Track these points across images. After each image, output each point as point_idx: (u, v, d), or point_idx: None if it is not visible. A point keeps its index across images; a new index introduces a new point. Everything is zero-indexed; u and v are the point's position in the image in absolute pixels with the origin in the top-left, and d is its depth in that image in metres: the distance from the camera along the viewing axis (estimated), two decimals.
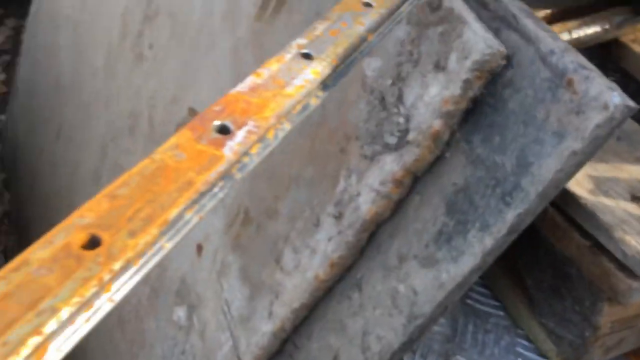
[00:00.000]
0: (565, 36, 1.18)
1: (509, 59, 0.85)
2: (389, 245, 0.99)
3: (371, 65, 0.98)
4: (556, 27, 1.16)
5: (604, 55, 1.30)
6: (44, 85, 2.33)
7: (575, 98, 0.77)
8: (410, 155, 0.91)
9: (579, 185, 0.97)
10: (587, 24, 1.13)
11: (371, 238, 1.01)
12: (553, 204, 0.99)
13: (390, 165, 0.94)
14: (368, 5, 0.74)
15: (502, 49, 0.83)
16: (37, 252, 0.42)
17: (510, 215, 0.83)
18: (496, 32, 0.87)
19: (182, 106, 1.44)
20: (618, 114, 0.75)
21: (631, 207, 1.04)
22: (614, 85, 0.76)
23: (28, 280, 0.40)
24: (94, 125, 1.88)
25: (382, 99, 0.95)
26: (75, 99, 2.03)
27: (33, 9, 2.52)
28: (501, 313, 1.16)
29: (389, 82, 0.94)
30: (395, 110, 0.93)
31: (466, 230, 0.89)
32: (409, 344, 0.98)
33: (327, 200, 1.04)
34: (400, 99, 0.93)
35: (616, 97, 0.75)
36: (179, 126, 1.45)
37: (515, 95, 0.84)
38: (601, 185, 0.99)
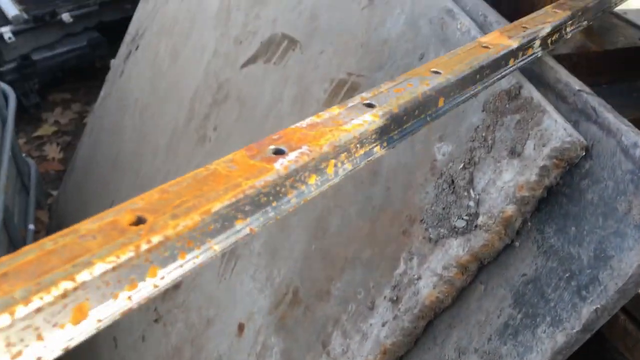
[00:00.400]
0: None
1: (587, 150, 0.84)
2: (447, 336, 0.94)
3: (442, 150, 0.98)
4: None
5: None
6: (102, 163, 2.41)
7: None
8: (478, 240, 0.89)
9: None
10: None
11: (428, 327, 0.96)
12: (625, 310, 0.94)
13: (456, 250, 0.91)
14: (436, 72, 0.75)
15: (582, 139, 0.83)
16: (87, 224, 0.43)
17: (586, 311, 0.78)
18: (574, 125, 0.87)
19: None
20: None
21: None
22: None
23: (73, 243, 0.41)
24: None
25: (452, 183, 0.94)
26: (132, 176, 2.08)
27: (103, 93, 2.66)
28: None
29: (460, 166, 0.94)
30: (465, 194, 0.92)
31: (535, 324, 0.84)
32: None
33: (384, 283, 1.00)
34: (471, 183, 0.92)
35: None
36: None
37: (594, 187, 0.82)
38: None
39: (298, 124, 0.61)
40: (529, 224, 0.88)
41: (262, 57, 1.56)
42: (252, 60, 1.60)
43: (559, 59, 1.20)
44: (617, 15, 1.41)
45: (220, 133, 1.62)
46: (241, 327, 1.26)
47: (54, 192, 3.05)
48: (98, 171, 2.43)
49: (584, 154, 0.83)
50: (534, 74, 0.96)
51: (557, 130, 0.83)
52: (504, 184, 0.87)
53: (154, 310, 1.61)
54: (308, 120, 0.62)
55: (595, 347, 1.00)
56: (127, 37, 2.52)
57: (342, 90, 1.23)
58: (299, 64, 1.40)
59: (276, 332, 1.18)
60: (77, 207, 2.55)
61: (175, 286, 1.56)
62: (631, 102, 1.22)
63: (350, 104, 0.66)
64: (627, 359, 0.95)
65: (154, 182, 1.88)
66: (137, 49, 2.37)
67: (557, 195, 0.86)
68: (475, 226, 0.89)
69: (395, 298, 0.97)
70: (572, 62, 1.22)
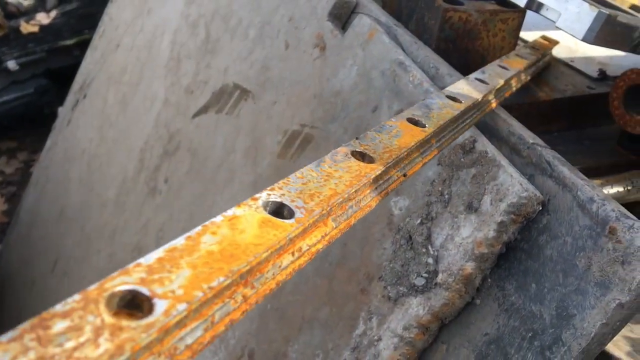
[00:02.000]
0: None
1: (544, 204, 0.83)
2: None
3: (398, 204, 0.96)
4: None
5: None
6: (46, 217, 2.31)
7: (620, 247, 0.74)
8: (438, 298, 0.86)
9: (617, 347, 0.91)
10: (610, 184, 1.13)
11: None
12: None
13: (416, 309, 0.88)
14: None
15: (538, 194, 0.82)
16: None
17: None
18: (530, 178, 0.86)
19: None
20: None
21: None
22: None
23: None
24: (94, 259, 1.82)
25: (410, 239, 0.92)
26: (78, 231, 1.99)
27: (49, 143, 2.57)
28: None
29: (418, 221, 0.92)
30: (423, 250, 0.89)
31: None
32: None
33: (343, 345, 0.96)
34: (429, 239, 0.89)
35: None
36: None
37: (552, 242, 0.81)
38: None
39: None
40: (489, 280, 0.86)
41: (214, 107, 1.53)
42: (203, 110, 1.57)
43: (511, 108, 1.21)
44: (565, 64, 1.44)
45: (172, 185, 1.57)
46: None
47: None
48: (43, 225, 2.32)
49: (540, 208, 0.82)
50: (487, 127, 0.95)
51: (513, 185, 0.81)
52: (462, 240, 0.85)
53: None
54: None
55: None
56: (75, 85, 2.45)
57: (296, 142, 1.21)
58: (252, 115, 1.37)
59: None
60: (21, 263, 2.42)
61: None
62: (583, 150, 1.23)
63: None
64: None
65: (101, 237, 1.80)
66: (84, 97, 2.30)
67: (516, 251, 0.84)
68: (435, 284, 0.86)
69: None
70: (522, 111, 1.23)
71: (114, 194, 1.82)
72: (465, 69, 1.17)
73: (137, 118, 1.86)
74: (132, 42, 2.07)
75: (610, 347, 0.90)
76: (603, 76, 1.40)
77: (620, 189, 1.13)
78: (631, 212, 0.78)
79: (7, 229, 2.80)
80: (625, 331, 0.94)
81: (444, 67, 1.05)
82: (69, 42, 3.59)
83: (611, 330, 0.74)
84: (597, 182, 1.14)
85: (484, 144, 0.87)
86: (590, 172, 1.18)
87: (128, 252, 1.63)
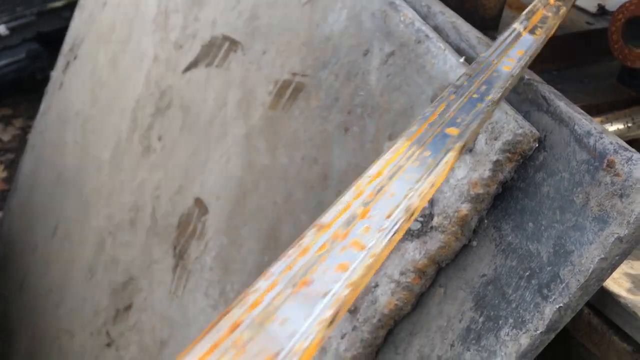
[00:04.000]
0: None
1: (540, 141, 0.80)
2: (409, 345, 0.89)
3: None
4: None
5: None
6: (45, 181, 2.30)
7: (618, 180, 0.71)
8: (434, 242, 0.84)
9: (617, 284, 0.89)
10: (609, 121, 1.10)
11: (388, 336, 0.91)
12: (588, 304, 0.91)
13: (412, 253, 0.86)
14: None
15: (534, 130, 0.79)
16: None
17: (549, 310, 0.75)
18: (526, 115, 0.83)
19: (187, 197, 1.38)
20: None
21: None
22: None
23: None
24: (93, 220, 1.81)
25: None
26: (76, 194, 1.98)
27: (43, 107, 2.54)
28: None
29: None
30: None
31: (498, 327, 0.80)
32: None
33: None
34: None
35: None
36: (183, 217, 1.39)
37: (549, 179, 0.79)
38: None
39: None
40: (486, 221, 0.84)
41: (204, 60, 1.49)
42: (193, 64, 1.53)
43: None
44: None
45: (166, 143, 1.54)
46: None
47: None
48: (42, 190, 2.31)
49: (537, 145, 0.80)
50: None
51: (508, 122, 0.79)
52: (457, 182, 0.83)
53: (105, 334, 1.53)
54: None
55: (562, 349, 0.97)
56: (65, 47, 2.40)
57: (287, 92, 1.18)
58: (242, 66, 1.34)
59: None
60: (23, 229, 2.42)
61: (127, 307, 1.48)
62: (582, 88, 1.20)
63: None
64: (593, 354, 0.92)
65: (99, 199, 1.79)
66: (75, 59, 2.26)
67: (512, 190, 0.82)
68: (431, 227, 0.85)
69: (352, 308, 0.92)
70: None
71: (109, 154, 1.80)
72: (459, 7, 1.13)
73: (127, 77, 1.83)
74: None
75: (610, 284, 0.89)
76: (602, 11, 1.35)
77: (621, 126, 1.11)
78: None
79: (7, 195, 2.80)
80: (625, 268, 0.93)
81: (436, 5, 1.01)
82: (58, 4, 3.51)
83: (610, 265, 0.72)
84: (597, 119, 1.11)
85: None
86: (591, 110, 1.15)
87: (125, 212, 1.62)
